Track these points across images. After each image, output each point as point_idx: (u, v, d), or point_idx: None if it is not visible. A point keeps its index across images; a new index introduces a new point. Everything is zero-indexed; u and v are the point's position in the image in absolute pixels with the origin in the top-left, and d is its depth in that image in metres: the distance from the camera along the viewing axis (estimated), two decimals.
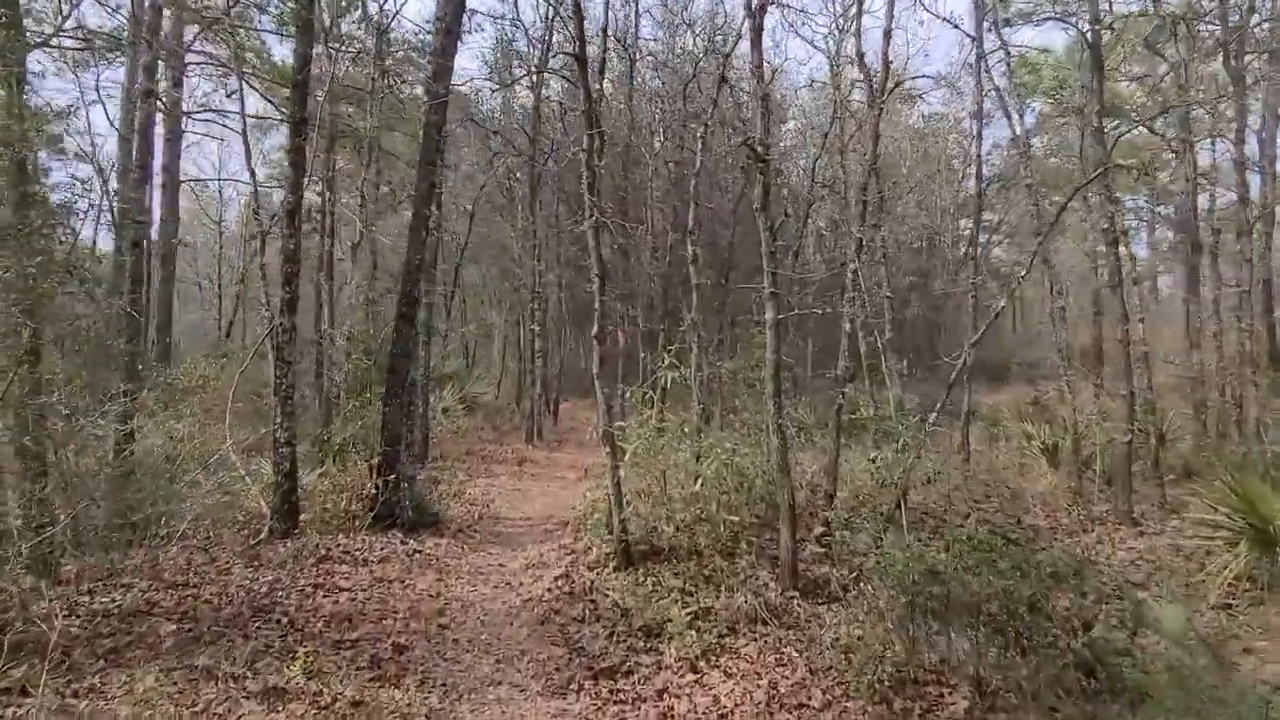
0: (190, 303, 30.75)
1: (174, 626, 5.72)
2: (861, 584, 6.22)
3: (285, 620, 6.05)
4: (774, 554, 7.75)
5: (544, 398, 19.35)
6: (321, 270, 15.58)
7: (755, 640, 5.85)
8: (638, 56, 18.81)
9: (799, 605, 6.56)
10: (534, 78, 17.33)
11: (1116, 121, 15.60)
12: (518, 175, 22.84)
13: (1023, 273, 7.35)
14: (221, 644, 5.46)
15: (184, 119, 22.72)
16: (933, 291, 28.68)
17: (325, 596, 6.62)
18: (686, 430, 7.88)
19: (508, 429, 17.36)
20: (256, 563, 7.31)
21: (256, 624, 5.96)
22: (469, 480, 12.59)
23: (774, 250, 6.89)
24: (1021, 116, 14.62)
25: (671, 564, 7.17)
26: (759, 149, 6.52)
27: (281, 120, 21.81)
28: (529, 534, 9.61)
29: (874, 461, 7.07)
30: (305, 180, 8.38)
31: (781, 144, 24.64)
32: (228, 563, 7.23)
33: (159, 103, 21.61)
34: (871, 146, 7.92)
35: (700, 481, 7.22)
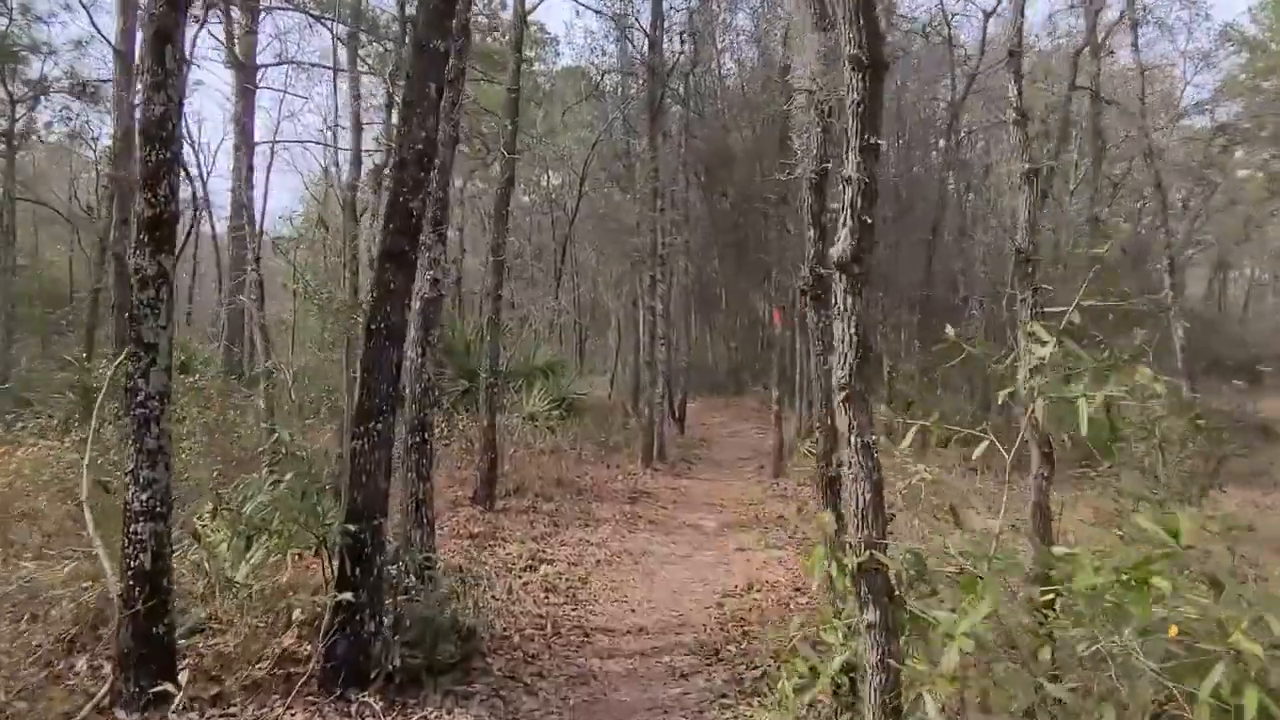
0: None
1: None
2: None
3: None
4: None
5: (667, 399, 14.76)
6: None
7: None
8: None
9: None
10: None
11: None
12: (636, 129, 19.21)
13: None
14: None
15: (259, 73, 20.10)
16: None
17: None
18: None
19: (617, 441, 12.88)
20: None
21: None
22: (552, 534, 8.21)
23: None
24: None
25: None
26: None
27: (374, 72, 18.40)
28: (641, 680, 5.02)
29: None
30: (184, 16, 4.14)
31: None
32: None
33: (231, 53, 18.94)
34: None
35: None
